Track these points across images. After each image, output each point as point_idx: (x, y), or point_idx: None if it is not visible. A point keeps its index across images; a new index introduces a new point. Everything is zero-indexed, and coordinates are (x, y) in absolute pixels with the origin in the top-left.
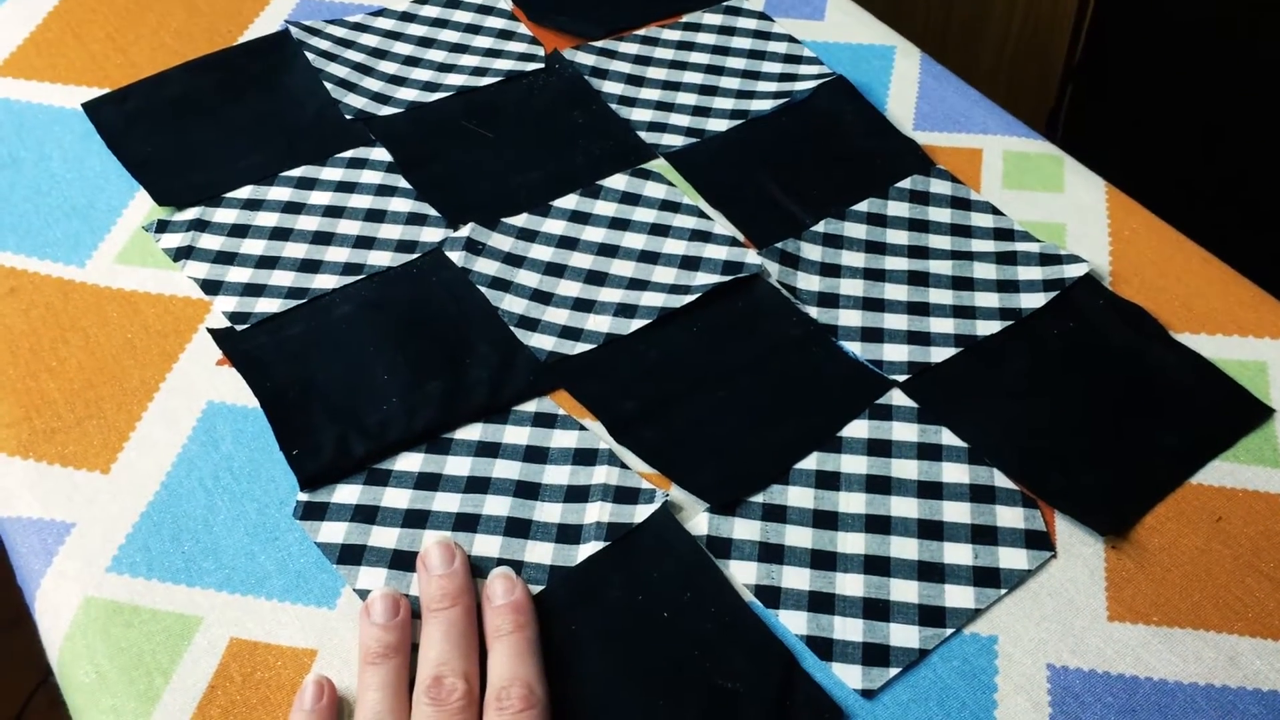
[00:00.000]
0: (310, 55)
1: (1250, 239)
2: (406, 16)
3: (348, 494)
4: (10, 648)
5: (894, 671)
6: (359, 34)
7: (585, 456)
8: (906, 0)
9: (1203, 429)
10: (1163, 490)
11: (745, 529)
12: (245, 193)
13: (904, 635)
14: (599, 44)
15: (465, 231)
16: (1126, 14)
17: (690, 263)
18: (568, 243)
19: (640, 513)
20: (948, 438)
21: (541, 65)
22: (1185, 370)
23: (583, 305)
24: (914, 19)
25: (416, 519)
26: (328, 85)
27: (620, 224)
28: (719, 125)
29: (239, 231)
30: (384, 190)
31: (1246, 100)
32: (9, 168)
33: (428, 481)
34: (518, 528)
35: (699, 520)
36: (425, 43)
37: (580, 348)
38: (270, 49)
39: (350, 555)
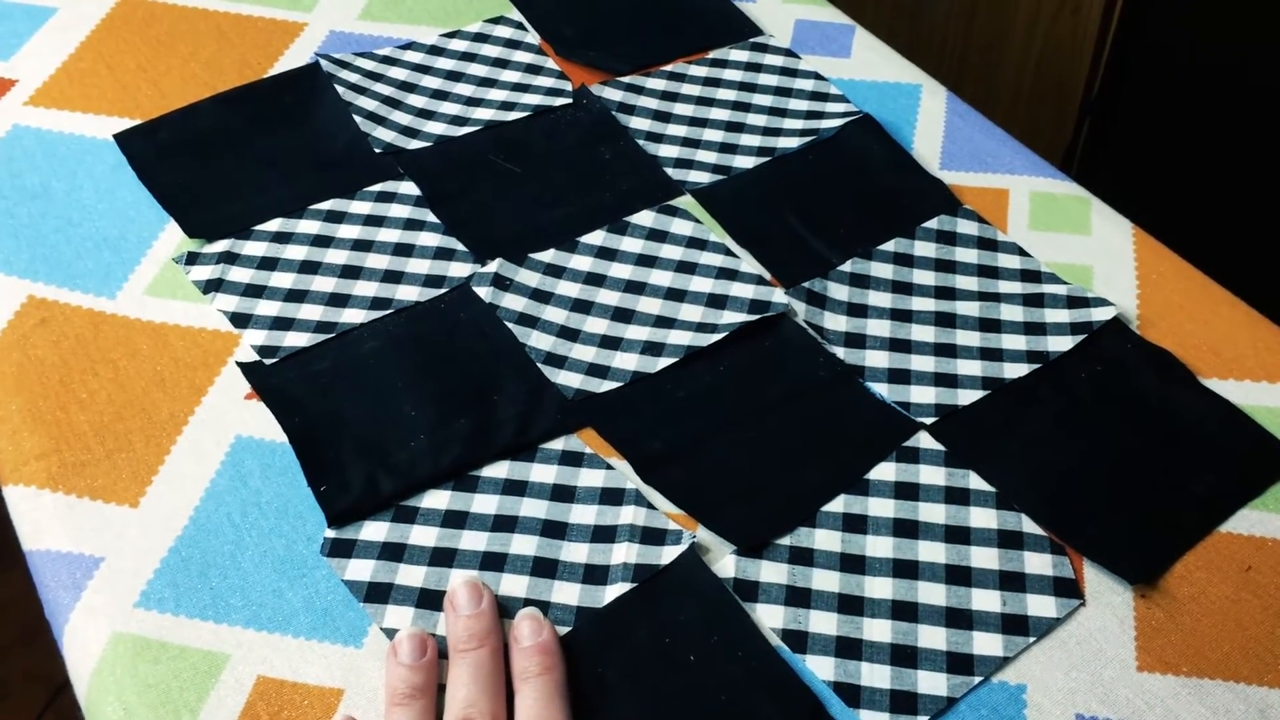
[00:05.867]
0: (340, 88)
1: (1273, 281)
2: (435, 50)
3: (375, 531)
4: (21, 664)
5: None
6: (388, 67)
7: (612, 496)
8: (923, 31)
9: (1232, 476)
10: (1192, 538)
11: (772, 572)
12: (274, 225)
13: (932, 683)
14: (626, 79)
15: (493, 267)
16: (1145, 50)
17: (717, 301)
18: (595, 279)
19: (667, 554)
20: (975, 482)
21: (569, 100)
22: (1214, 416)
23: (609, 343)
24: (930, 52)
25: (443, 557)
26: (357, 118)
27: (647, 261)
28: (746, 162)
29: (268, 264)
30: (412, 224)
31: (1263, 140)
32: (40, 198)
33: (454, 519)
34: (544, 568)
35: (726, 562)
36: (454, 77)
37: (607, 386)
38: (300, 81)
39: (377, 593)
